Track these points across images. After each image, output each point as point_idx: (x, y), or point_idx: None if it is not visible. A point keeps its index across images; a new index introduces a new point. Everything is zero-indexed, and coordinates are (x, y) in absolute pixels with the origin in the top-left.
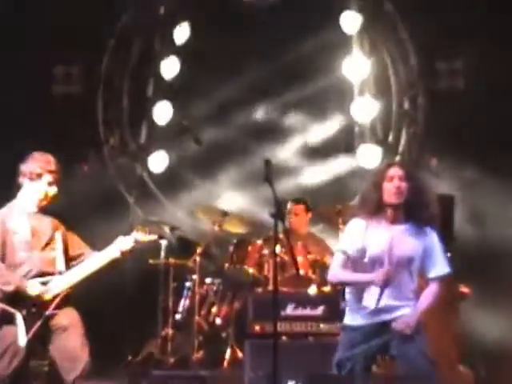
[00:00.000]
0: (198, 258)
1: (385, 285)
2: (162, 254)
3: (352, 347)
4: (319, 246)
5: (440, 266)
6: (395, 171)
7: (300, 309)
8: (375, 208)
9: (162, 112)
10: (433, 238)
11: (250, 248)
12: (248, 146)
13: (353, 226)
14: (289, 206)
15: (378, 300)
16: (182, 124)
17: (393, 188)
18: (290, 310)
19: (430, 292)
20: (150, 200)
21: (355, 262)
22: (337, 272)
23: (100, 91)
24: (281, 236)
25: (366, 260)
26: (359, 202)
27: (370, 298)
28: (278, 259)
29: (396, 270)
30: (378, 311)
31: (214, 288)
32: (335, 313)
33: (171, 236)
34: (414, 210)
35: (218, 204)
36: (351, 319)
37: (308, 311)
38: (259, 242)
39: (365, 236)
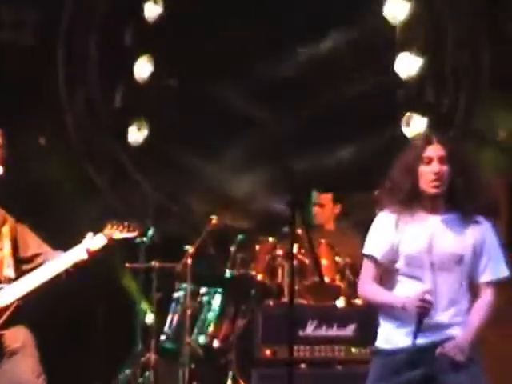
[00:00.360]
0: (189, 261)
1: (422, 313)
2: (142, 255)
3: (386, 378)
4: (350, 246)
5: (496, 268)
6: (434, 151)
7: (324, 327)
8: (408, 198)
9: (144, 68)
10: (486, 231)
11: (258, 247)
12: (256, 114)
13: (380, 223)
14: (312, 194)
15: (415, 334)
16: (169, 83)
17: (431, 174)
18: (310, 328)
19: (484, 303)
20: (126, 184)
21: (387, 269)
22: (365, 285)
23: (61, 41)
24: (299, 232)
25: (399, 265)
26: (387, 190)
27: (407, 326)
28: (296, 262)
29: (440, 275)
30: (422, 330)
31: (211, 301)
32: (371, 333)
33: (154, 232)
34: (459, 197)
35: (217, 189)
36: (386, 341)
37: (335, 331)
38: (271, 239)
39: (396, 233)
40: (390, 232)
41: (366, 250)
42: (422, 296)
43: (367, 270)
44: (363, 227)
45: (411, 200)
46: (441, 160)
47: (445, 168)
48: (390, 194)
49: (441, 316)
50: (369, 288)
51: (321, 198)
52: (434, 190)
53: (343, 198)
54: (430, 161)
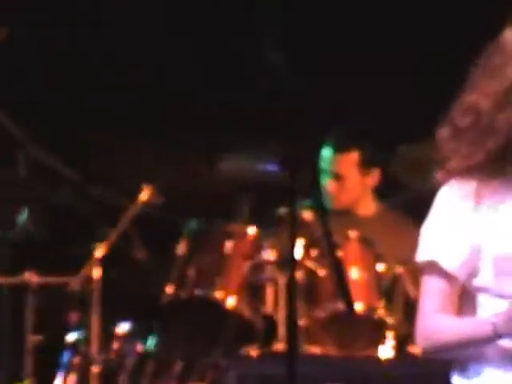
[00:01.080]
0: (96, 273)
1: None
2: (8, 260)
3: None
4: (405, 243)
5: None
6: None
7: None
8: (496, 151)
9: None
10: None
11: (229, 246)
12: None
13: (447, 203)
14: (325, 154)
15: None
16: None
17: None
18: None
19: None
20: None
21: (462, 291)
22: (431, 325)
23: None
24: (307, 216)
25: (482, 279)
26: (458, 140)
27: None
28: (301, 274)
29: None
30: None
31: (139, 348)
32: None
33: (29, 216)
34: None
35: (148, 141)
36: None
37: None
38: (252, 230)
39: (478, 221)
40: (467, 219)
41: (424, 256)
42: None
43: (431, 294)
44: (423, 209)
45: (500, 156)
46: None
47: None
48: (462, 146)
49: None
50: (435, 324)
51: (338, 161)
52: None
53: (382, 157)
54: None
